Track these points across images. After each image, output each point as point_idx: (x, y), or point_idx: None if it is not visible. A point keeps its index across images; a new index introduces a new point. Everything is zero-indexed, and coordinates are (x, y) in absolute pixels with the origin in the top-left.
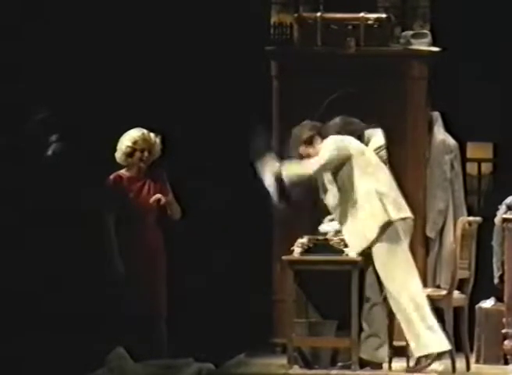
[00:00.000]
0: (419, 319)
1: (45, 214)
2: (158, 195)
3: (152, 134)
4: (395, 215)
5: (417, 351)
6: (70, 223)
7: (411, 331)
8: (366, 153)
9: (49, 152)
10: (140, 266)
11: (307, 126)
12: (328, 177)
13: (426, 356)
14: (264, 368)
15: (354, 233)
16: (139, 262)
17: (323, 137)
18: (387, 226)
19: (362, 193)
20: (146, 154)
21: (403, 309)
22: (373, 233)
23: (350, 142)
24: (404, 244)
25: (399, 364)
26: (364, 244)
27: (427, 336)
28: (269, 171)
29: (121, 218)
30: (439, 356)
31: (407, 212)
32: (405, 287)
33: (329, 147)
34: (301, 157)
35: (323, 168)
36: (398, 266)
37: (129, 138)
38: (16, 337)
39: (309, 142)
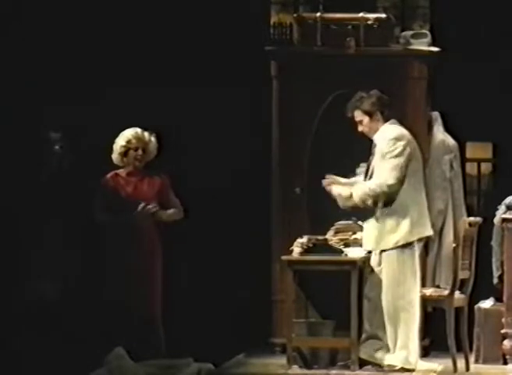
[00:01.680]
0: (405, 335)
1: (44, 214)
2: (149, 206)
3: (146, 133)
4: (416, 236)
5: (389, 359)
6: (69, 223)
7: (394, 340)
8: (419, 157)
9: (56, 147)
10: (138, 265)
11: (373, 97)
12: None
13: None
14: (263, 368)
15: (374, 233)
16: (136, 261)
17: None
18: (405, 244)
19: (400, 201)
20: (140, 152)
21: (393, 318)
22: (389, 245)
23: (412, 145)
24: (415, 259)
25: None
26: (376, 249)
27: (404, 353)
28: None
29: (118, 215)
30: (405, 370)
31: (426, 231)
32: (403, 300)
33: (397, 147)
34: (353, 119)
35: (399, 178)
36: (403, 280)
37: (123, 138)
38: (16, 337)
39: (369, 114)
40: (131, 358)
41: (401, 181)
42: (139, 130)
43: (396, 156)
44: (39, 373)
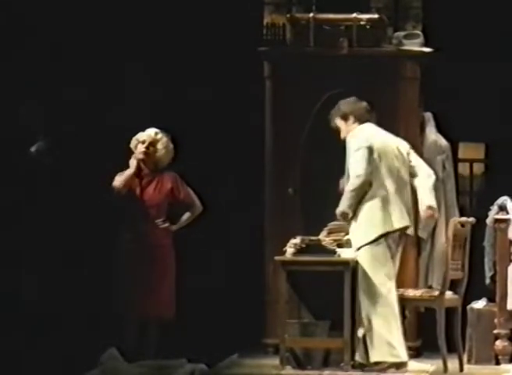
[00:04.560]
0: (384, 330)
1: (41, 212)
2: (160, 223)
3: (160, 139)
4: (392, 227)
5: (373, 356)
6: (67, 221)
7: (373, 337)
8: (389, 154)
9: (33, 149)
10: (141, 265)
11: (349, 101)
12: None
13: (380, 363)
14: (256, 369)
15: (355, 232)
16: (140, 260)
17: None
18: (381, 236)
19: (375, 197)
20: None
21: (369, 312)
22: (363, 241)
23: (376, 141)
24: (386, 253)
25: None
26: (355, 246)
27: (385, 347)
28: None
29: (127, 214)
30: (396, 365)
31: (406, 222)
32: (380, 296)
33: (358, 155)
34: (336, 128)
35: (362, 181)
36: (374, 274)
37: (135, 138)
38: (10, 337)
39: (344, 118)
40: (125, 359)
41: (369, 172)
42: (152, 134)
43: (359, 149)
44: (33, 373)
